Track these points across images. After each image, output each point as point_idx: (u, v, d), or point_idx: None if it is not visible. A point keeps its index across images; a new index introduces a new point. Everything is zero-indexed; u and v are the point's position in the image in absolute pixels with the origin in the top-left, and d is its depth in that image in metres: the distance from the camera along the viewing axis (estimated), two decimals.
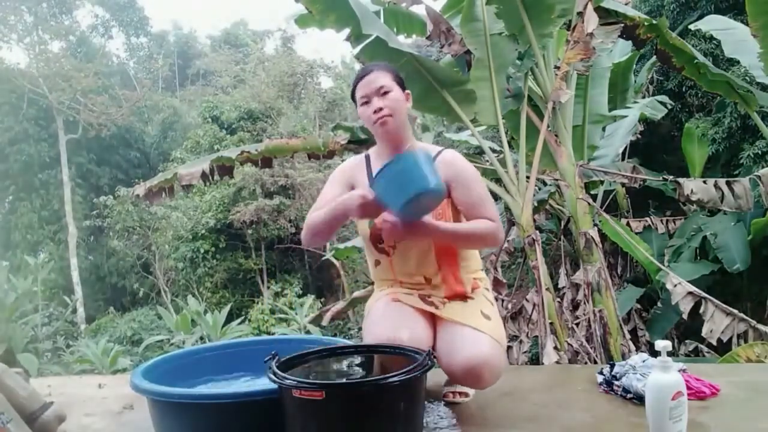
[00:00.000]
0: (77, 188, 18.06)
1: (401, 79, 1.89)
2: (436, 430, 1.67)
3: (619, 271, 6.99)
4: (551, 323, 4.19)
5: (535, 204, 5.05)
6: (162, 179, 5.23)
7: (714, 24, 5.59)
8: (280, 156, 5.54)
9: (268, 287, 13.94)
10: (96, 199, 16.34)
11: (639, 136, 7.34)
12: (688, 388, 1.63)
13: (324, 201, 1.83)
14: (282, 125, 15.40)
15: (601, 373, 1.96)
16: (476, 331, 1.73)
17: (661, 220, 6.72)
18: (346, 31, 4.25)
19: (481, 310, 1.81)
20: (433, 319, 1.83)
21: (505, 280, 4.83)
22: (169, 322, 9.01)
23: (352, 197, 1.69)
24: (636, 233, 6.02)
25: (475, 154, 5.47)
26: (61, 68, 17.35)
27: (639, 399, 1.72)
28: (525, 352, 4.69)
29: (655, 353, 1.50)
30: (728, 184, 4.74)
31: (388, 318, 1.77)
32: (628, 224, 6.24)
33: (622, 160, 6.91)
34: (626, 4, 4.57)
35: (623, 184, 6.34)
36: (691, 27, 5.83)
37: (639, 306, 6.07)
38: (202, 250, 14.19)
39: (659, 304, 5.89)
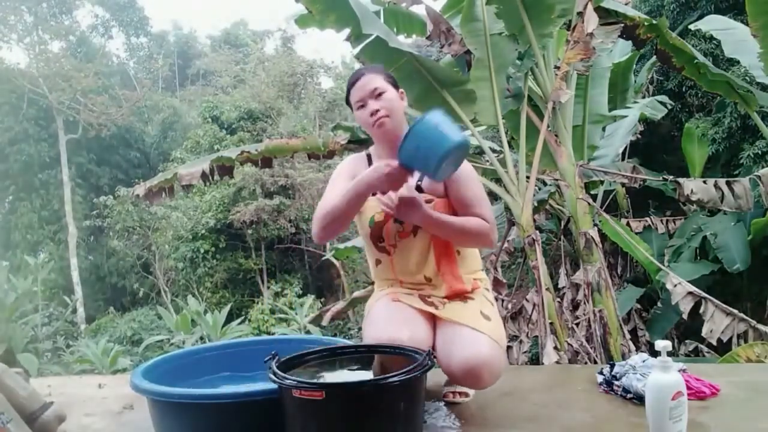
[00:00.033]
0: (77, 188, 18.07)
1: (394, 79, 1.90)
2: (436, 430, 1.67)
3: (619, 271, 7.00)
4: (551, 323, 4.19)
5: (535, 204, 5.05)
6: (162, 179, 5.23)
7: (714, 24, 5.59)
8: (280, 156, 5.53)
9: (268, 287, 13.94)
10: (96, 199, 16.34)
11: (639, 136, 7.34)
12: (688, 388, 1.63)
13: (334, 194, 1.80)
14: (282, 125, 15.40)
15: (601, 373, 1.96)
16: (476, 331, 1.72)
17: (661, 220, 6.72)
18: (346, 31, 4.25)
19: (481, 311, 1.81)
20: (433, 320, 1.83)
21: (505, 280, 4.83)
22: (169, 322, 9.01)
23: (377, 169, 1.68)
24: (636, 233, 6.03)
25: (475, 154, 5.46)
26: (61, 68, 17.35)
27: (639, 399, 1.72)
28: (525, 352, 4.69)
29: (655, 353, 1.50)
30: (728, 184, 4.74)
31: (388, 318, 1.77)
32: (628, 224, 6.25)
33: (622, 160, 6.92)
34: (626, 4, 4.57)
35: (623, 184, 6.34)
36: (691, 27, 5.83)
37: (639, 306, 6.07)
38: (202, 250, 14.19)
39: (659, 304, 5.89)
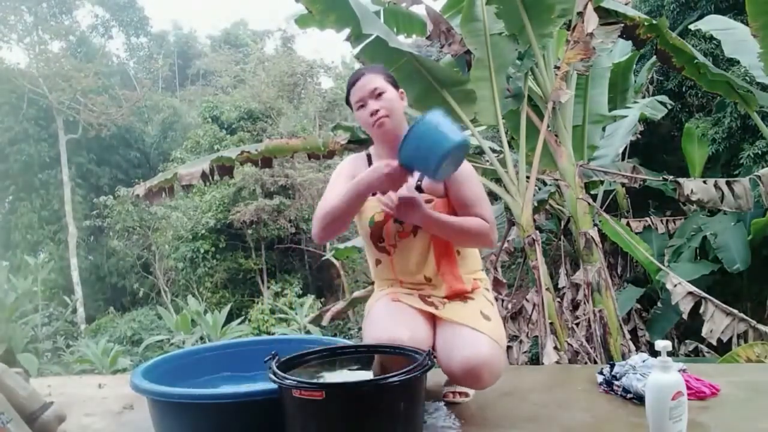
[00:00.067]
0: (77, 188, 18.07)
1: (393, 79, 1.90)
2: (436, 430, 1.67)
3: (619, 271, 7.00)
4: (551, 323, 4.19)
5: (535, 204, 5.05)
6: (162, 179, 5.23)
7: (714, 24, 5.59)
8: (280, 156, 5.53)
9: (268, 287, 13.94)
10: (96, 199, 16.34)
11: (639, 136, 7.34)
12: (688, 388, 1.63)
13: (334, 194, 1.80)
14: (282, 125, 15.40)
15: (601, 373, 1.96)
16: (475, 331, 1.72)
17: (661, 220, 6.72)
18: (346, 31, 4.25)
19: (481, 311, 1.81)
20: (433, 320, 1.83)
21: (505, 280, 4.83)
22: (169, 322, 9.01)
23: (376, 169, 1.68)
24: (636, 233, 6.03)
25: (475, 154, 5.46)
26: (61, 68, 17.35)
27: (639, 399, 1.72)
28: (525, 352, 4.69)
29: (655, 353, 1.50)
30: (728, 184, 4.74)
31: (388, 318, 1.77)
32: (628, 224, 6.25)
33: (622, 160, 6.92)
34: (626, 4, 4.57)
35: (623, 184, 6.34)
36: (691, 27, 5.83)
37: (639, 306, 6.07)
38: (202, 250, 14.20)
39: (659, 304, 5.89)
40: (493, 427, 1.70)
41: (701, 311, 4.14)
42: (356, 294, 5.69)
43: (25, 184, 17.79)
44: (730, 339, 4.01)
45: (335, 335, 9.46)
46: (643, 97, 7.18)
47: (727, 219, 6.03)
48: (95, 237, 18.85)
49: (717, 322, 4.06)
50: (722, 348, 4.37)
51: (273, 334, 9.64)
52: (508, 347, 4.57)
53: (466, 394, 1.90)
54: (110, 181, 18.46)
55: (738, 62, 5.65)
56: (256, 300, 13.24)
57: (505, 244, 4.98)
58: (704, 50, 6.68)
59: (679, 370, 1.56)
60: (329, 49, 51.81)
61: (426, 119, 1.59)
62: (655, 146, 7.99)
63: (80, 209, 17.79)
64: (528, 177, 4.47)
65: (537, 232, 4.41)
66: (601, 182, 6.03)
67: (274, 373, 1.41)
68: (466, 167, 1.85)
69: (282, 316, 10.71)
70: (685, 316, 4.33)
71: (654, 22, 4.46)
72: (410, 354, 1.55)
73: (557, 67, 4.53)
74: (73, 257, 16.46)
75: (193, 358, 2.09)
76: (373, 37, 4.03)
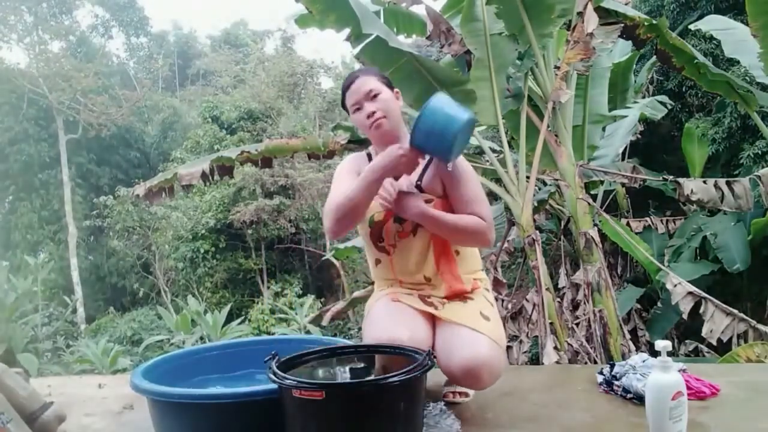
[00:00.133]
0: (77, 188, 18.07)
1: (388, 80, 1.90)
2: (436, 430, 1.67)
3: (619, 271, 7.00)
4: (551, 323, 4.19)
5: (535, 204, 5.05)
6: (162, 179, 5.23)
7: (714, 24, 5.59)
8: (280, 156, 5.53)
9: (268, 287, 13.94)
10: (96, 199, 16.35)
11: (639, 136, 7.34)
12: (688, 388, 1.63)
13: (343, 187, 1.78)
14: (282, 125, 15.41)
15: (601, 373, 1.96)
16: (475, 332, 1.72)
17: (661, 220, 6.72)
18: (346, 31, 4.25)
19: (481, 311, 1.81)
20: (433, 320, 1.83)
21: (505, 280, 4.83)
22: (169, 322, 9.00)
23: (390, 152, 1.70)
24: (636, 233, 6.03)
25: (475, 154, 5.47)
26: (61, 68, 17.35)
27: (639, 399, 1.72)
28: (525, 352, 4.69)
29: (655, 353, 1.50)
30: (728, 184, 4.74)
31: (388, 318, 1.77)
32: (628, 224, 6.25)
33: (622, 160, 6.92)
34: (626, 4, 4.57)
35: (623, 184, 6.34)
36: (691, 27, 5.83)
37: (639, 306, 6.07)
38: (202, 250, 14.20)
39: (659, 304, 5.89)
40: (493, 427, 1.69)
41: (701, 311, 4.14)
42: (356, 294, 5.69)
43: (25, 184, 17.80)
44: (730, 339, 4.01)
45: (335, 335, 9.46)
46: (643, 97, 7.18)
47: (727, 219, 6.03)
48: (95, 237, 18.85)
49: (717, 322, 4.06)
50: (722, 348, 4.37)
51: (273, 334, 9.64)
52: (508, 347, 4.57)
53: (466, 394, 1.90)
54: (110, 181, 18.46)
55: (738, 62, 5.65)
56: (256, 300, 13.25)
57: (505, 244, 4.98)
58: (704, 50, 6.68)
59: (679, 370, 1.56)
60: (329, 49, 51.92)
61: (432, 103, 1.65)
62: (655, 146, 7.99)
63: (80, 209, 17.79)
64: (528, 177, 4.47)
65: (537, 232, 4.41)
66: (601, 182, 6.03)
67: (274, 373, 1.41)
68: (466, 166, 1.86)
69: (282, 316, 10.71)
70: (685, 316, 4.33)
71: (654, 22, 4.46)
72: (410, 354, 1.55)
73: (557, 67, 4.53)
74: (73, 257, 16.46)
75: (193, 358, 2.09)
76: (373, 37, 4.02)
